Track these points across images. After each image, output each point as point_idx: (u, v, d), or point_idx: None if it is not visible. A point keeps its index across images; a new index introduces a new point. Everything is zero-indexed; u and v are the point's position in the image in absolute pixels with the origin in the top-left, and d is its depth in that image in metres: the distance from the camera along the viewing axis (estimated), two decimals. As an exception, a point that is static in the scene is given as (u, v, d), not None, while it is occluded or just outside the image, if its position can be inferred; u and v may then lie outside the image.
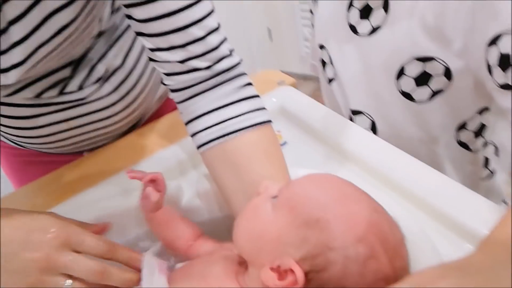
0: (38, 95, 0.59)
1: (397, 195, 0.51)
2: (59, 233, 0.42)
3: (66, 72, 0.59)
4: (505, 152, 0.69)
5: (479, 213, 0.46)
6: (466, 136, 0.64)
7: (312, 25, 0.76)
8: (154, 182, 0.50)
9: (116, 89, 0.64)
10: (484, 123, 0.64)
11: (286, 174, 0.50)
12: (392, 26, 0.60)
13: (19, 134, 0.64)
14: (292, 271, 0.37)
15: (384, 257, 0.36)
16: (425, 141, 0.65)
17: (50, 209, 0.53)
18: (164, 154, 0.63)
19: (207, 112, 0.51)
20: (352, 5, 0.65)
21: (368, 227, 0.37)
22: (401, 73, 0.61)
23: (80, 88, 0.61)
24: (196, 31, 0.47)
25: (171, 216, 0.52)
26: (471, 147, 0.65)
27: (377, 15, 0.62)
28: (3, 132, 0.66)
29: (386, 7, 0.60)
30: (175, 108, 0.56)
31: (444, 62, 0.57)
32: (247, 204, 0.44)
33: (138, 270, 0.45)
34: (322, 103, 0.70)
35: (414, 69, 0.60)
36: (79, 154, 0.71)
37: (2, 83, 0.50)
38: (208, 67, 0.50)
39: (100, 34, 0.61)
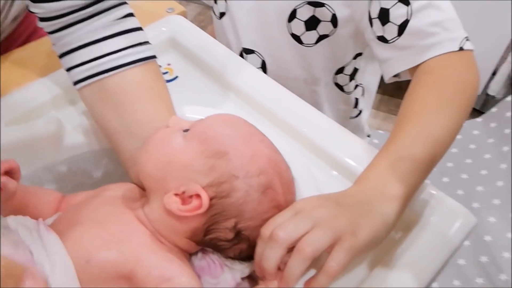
0: None
1: (282, 131, 0.55)
2: None
3: None
4: (369, 93, 0.78)
5: (349, 147, 0.52)
6: (342, 79, 0.71)
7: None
8: (9, 172, 0.43)
9: None
10: (357, 67, 0.71)
11: (172, 113, 0.50)
12: None
13: None
14: (197, 196, 0.40)
15: (280, 189, 0.41)
16: (308, 82, 0.70)
17: None
18: (35, 88, 0.56)
19: (82, 46, 0.47)
20: None
21: (269, 163, 0.41)
22: (293, 16, 0.63)
23: None
24: None
25: (26, 192, 0.46)
26: (345, 89, 0.73)
27: None
28: None
29: None
30: (33, 31, 0.50)
31: (333, 9, 0.61)
32: (154, 134, 0.44)
33: None
34: (206, 29, 0.69)
35: (305, 13, 0.62)
36: None
37: None
38: None
39: None
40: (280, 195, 0.41)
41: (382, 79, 0.67)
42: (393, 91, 1.67)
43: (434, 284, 1.00)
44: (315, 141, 0.53)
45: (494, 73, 1.49)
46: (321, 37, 0.64)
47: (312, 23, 0.63)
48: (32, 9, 0.46)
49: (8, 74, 0.59)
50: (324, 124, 0.55)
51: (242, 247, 0.42)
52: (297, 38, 0.65)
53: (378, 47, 0.57)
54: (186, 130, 0.43)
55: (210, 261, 0.43)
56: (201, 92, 0.61)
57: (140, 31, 0.50)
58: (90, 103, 0.49)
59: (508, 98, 1.24)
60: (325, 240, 0.36)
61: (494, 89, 1.49)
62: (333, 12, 0.61)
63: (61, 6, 0.45)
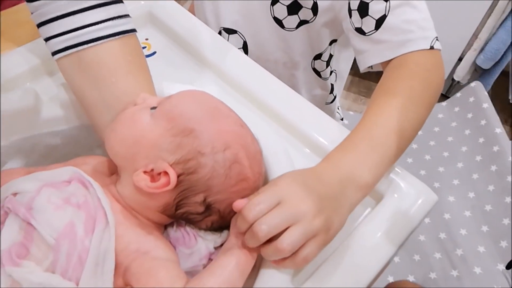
0: None
1: (262, 112, 0.56)
2: None
3: None
4: (341, 79, 0.81)
5: (322, 127, 0.54)
6: (319, 65, 0.72)
7: None
8: None
9: None
10: (331, 53, 0.73)
11: (151, 88, 0.50)
12: None
13: None
14: (165, 173, 0.41)
15: (246, 162, 0.42)
16: (288, 66, 0.71)
17: None
18: (10, 58, 0.55)
19: (61, 16, 0.47)
20: None
21: (234, 138, 0.42)
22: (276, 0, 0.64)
23: None
24: None
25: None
26: (322, 74, 0.74)
27: None
28: None
29: None
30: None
31: None
32: (121, 112, 0.44)
33: None
34: (184, 5, 0.68)
35: None
36: None
37: None
38: None
39: None
40: (247, 168, 0.42)
41: (354, 61, 0.69)
42: (364, 73, 1.70)
43: (396, 259, 1.05)
44: (289, 120, 0.55)
45: (460, 59, 1.54)
46: (301, 23, 0.66)
47: (294, 8, 0.64)
48: None
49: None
50: (299, 104, 0.57)
51: (213, 219, 0.44)
52: (279, 21, 0.66)
53: (355, 38, 0.59)
54: (153, 108, 0.43)
55: (184, 232, 0.44)
56: (179, 68, 0.61)
57: (120, 4, 0.49)
58: (68, 75, 0.49)
59: (472, 84, 1.29)
60: (303, 240, 0.38)
61: (460, 74, 1.55)
62: (315, 0, 0.62)
63: None
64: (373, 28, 0.56)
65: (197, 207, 0.42)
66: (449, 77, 1.59)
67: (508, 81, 1.63)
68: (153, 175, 0.41)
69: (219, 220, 0.44)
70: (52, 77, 0.56)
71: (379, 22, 0.55)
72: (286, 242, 0.37)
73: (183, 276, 0.40)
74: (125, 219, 0.42)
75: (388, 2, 0.54)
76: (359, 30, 0.58)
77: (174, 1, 0.67)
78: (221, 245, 0.44)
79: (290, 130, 0.55)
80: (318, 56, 0.71)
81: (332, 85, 0.78)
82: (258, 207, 0.38)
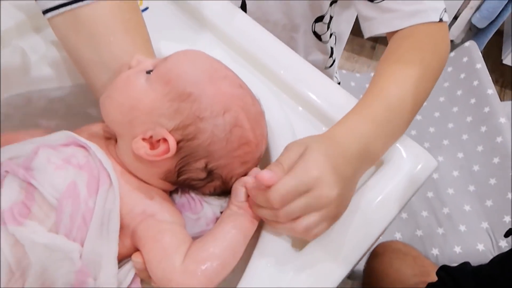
0: None
1: (260, 73, 0.54)
2: None
3: None
4: (341, 42, 0.78)
5: (327, 93, 0.53)
6: (320, 28, 0.70)
7: None
8: None
9: None
10: (331, 15, 0.70)
11: (149, 48, 0.48)
12: None
13: None
14: (164, 140, 0.39)
15: (247, 125, 0.41)
16: (287, 28, 0.69)
17: None
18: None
19: None
20: None
21: (233, 100, 0.41)
22: None
23: None
24: None
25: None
26: (322, 38, 0.72)
27: None
28: None
29: None
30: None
31: None
32: (117, 77, 0.42)
33: None
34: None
35: None
36: None
37: None
38: None
39: None
40: (248, 131, 0.41)
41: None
42: (357, 30, 1.67)
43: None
44: (291, 84, 0.53)
45: (455, 18, 1.51)
46: None
47: None
48: None
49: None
50: (298, 64, 0.55)
51: (215, 184, 0.43)
52: None
53: (362, 3, 0.57)
54: (149, 72, 0.41)
55: (189, 198, 0.44)
56: (172, 26, 0.58)
57: None
58: (62, 34, 0.47)
59: (467, 44, 1.27)
60: (319, 223, 0.39)
61: (454, 33, 1.53)
62: None
63: None
64: None
65: (198, 173, 0.42)
66: (443, 35, 1.57)
67: (501, 41, 1.62)
68: (152, 142, 0.40)
69: (222, 185, 0.43)
70: (40, 34, 0.53)
71: None
72: (303, 226, 0.38)
73: (188, 240, 0.40)
74: (129, 181, 0.41)
75: None
76: None
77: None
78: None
79: (289, 93, 0.54)
80: (319, 19, 0.69)
81: (332, 48, 0.76)
82: (286, 195, 0.37)
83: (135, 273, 0.39)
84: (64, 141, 0.41)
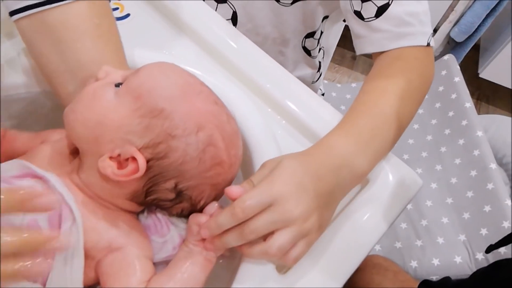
0: None
1: (248, 88, 0.53)
2: None
3: None
4: (328, 55, 0.78)
5: (313, 108, 0.53)
6: (311, 43, 0.70)
7: None
8: None
9: None
10: (322, 30, 0.70)
11: (121, 56, 0.46)
12: None
13: None
14: (133, 159, 0.37)
15: (221, 144, 0.39)
16: (277, 42, 0.68)
17: None
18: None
19: None
20: None
21: (208, 117, 0.39)
22: None
23: None
24: None
25: None
26: (312, 53, 0.72)
27: None
28: None
29: None
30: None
31: None
32: (83, 89, 0.39)
33: None
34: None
35: None
36: None
37: None
38: None
39: None
40: (222, 150, 0.39)
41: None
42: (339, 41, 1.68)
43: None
44: (277, 99, 0.52)
45: (435, 31, 1.54)
46: None
47: None
48: None
49: None
50: (289, 81, 0.54)
51: (184, 206, 0.41)
52: None
53: (353, 20, 0.57)
54: (118, 84, 0.39)
55: (156, 220, 0.42)
56: (154, 34, 0.57)
57: None
58: (28, 38, 0.44)
59: (445, 57, 1.29)
60: (292, 243, 0.37)
61: (433, 46, 1.56)
62: None
63: None
64: (373, 16, 0.54)
65: (167, 194, 0.40)
66: (422, 48, 1.59)
67: (477, 55, 1.66)
68: (120, 161, 0.37)
69: (190, 207, 0.41)
70: (11, 40, 0.51)
71: (381, 9, 0.53)
72: (276, 246, 0.36)
73: (151, 275, 0.38)
74: (93, 212, 0.38)
75: None
76: (358, 14, 0.55)
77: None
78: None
79: (274, 107, 0.52)
80: (310, 34, 0.68)
81: (319, 62, 0.75)
82: (249, 205, 0.36)
83: None
84: (18, 172, 0.38)
